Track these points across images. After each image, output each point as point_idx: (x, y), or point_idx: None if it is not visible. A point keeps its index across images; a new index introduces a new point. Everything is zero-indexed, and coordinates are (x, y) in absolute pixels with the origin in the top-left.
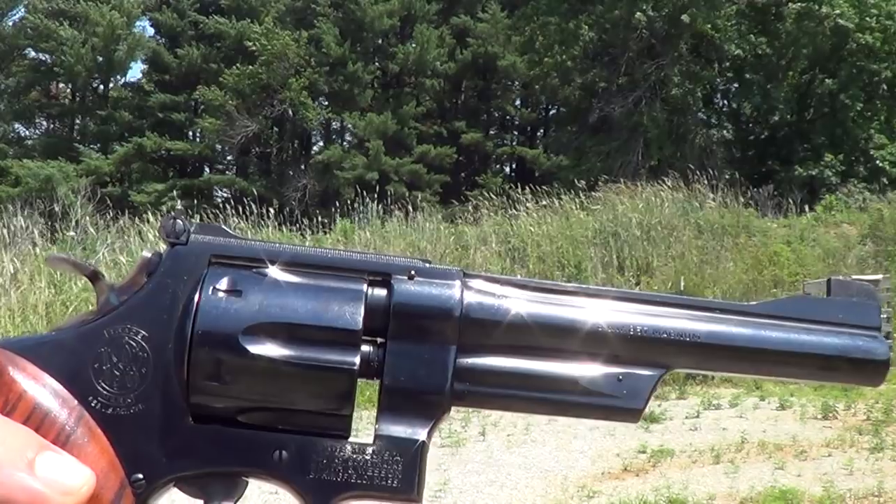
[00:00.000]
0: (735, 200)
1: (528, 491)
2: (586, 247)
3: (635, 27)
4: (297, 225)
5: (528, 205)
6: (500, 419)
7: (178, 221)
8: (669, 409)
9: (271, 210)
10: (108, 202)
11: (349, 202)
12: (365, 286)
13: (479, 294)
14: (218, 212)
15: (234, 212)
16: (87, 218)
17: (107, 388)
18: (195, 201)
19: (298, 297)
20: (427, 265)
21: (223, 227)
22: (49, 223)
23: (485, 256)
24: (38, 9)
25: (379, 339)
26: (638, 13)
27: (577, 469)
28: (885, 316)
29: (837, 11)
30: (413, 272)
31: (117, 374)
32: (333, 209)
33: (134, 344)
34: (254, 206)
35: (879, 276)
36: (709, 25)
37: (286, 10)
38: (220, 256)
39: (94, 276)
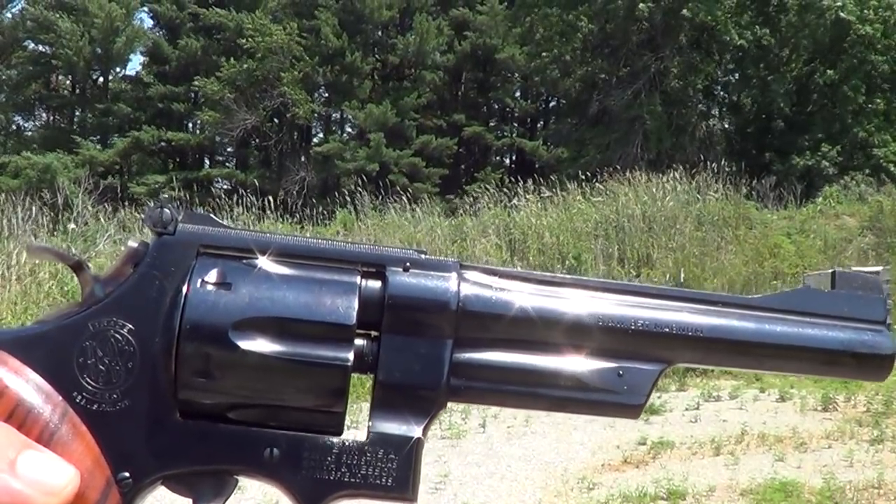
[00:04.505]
0: (736, 192)
1: (528, 483)
2: (587, 238)
3: (637, 18)
4: (297, 216)
5: (528, 196)
6: (501, 411)
7: (166, 210)
8: (669, 400)
9: (271, 201)
10: (114, 192)
11: (347, 193)
12: (358, 278)
13: (477, 286)
14: (218, 203)
15: (235, 203)
16: (89, 209)
17: (92, 383)
18: (194, 193)
19: (290, 289)
20: (423, 256)
21: (211, 216)
22: (51, 215)
23: (484, 248)
24: (37, 0)
25: (373, 333)
26: (641, 4)
27: (578, 461)
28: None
29: (839, 3)
30: (408, 264)
31: (103, 368)
32: (332, 201)
33: (120, 337)
34: (254, 199)
35: (879, 268)
36: (709, 17)
37: (287, 2)
38: (208, 247)
39: (78, 267)
